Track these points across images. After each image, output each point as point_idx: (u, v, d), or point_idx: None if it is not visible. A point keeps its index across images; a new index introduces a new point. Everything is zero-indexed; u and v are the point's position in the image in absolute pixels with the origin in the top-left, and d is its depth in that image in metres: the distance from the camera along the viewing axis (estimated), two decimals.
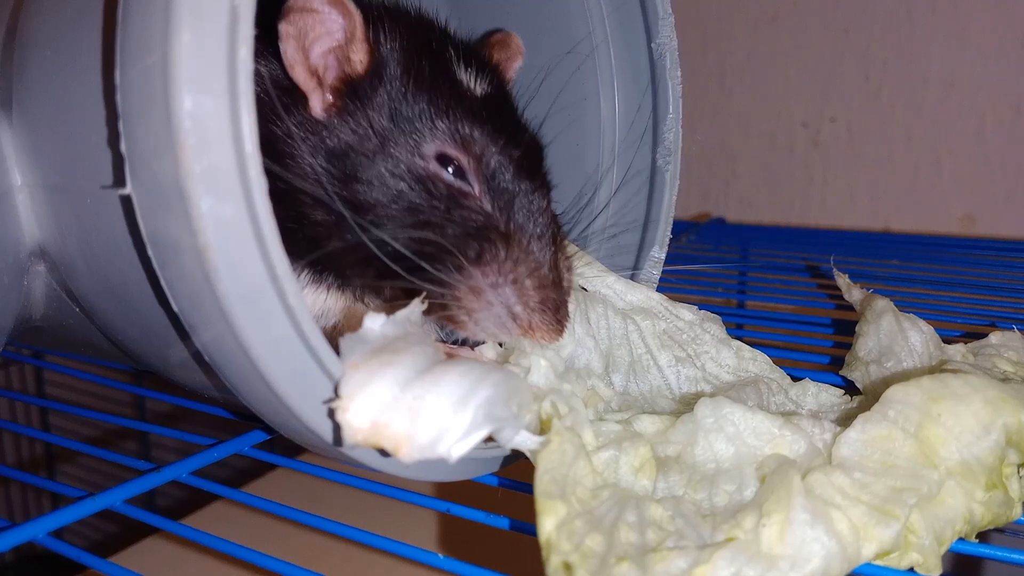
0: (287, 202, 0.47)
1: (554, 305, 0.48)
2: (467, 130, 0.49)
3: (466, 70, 0.52)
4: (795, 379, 0.53)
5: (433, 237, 0.47)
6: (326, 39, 0.48)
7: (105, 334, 0.52)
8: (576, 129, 0.67)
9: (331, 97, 0.48)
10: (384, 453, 0.39)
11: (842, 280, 0.68)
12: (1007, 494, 0.39)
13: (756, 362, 0.53)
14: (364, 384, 0.37)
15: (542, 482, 0.37)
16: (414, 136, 0.48)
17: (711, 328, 0.55)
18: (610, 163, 0.67)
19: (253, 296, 0.36)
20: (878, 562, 0.36)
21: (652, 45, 0.63)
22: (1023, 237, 1.12)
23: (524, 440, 0.40)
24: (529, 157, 0.52)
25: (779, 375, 0.53)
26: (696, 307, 0.56)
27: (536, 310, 0.47)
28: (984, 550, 0.39)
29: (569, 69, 0.67)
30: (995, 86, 1.13)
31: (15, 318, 0.50)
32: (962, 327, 0.69)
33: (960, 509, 0.38)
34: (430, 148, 0.49)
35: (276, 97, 0.48)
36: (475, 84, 0.52)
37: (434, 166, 0.49)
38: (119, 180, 0.36)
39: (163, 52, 0.33)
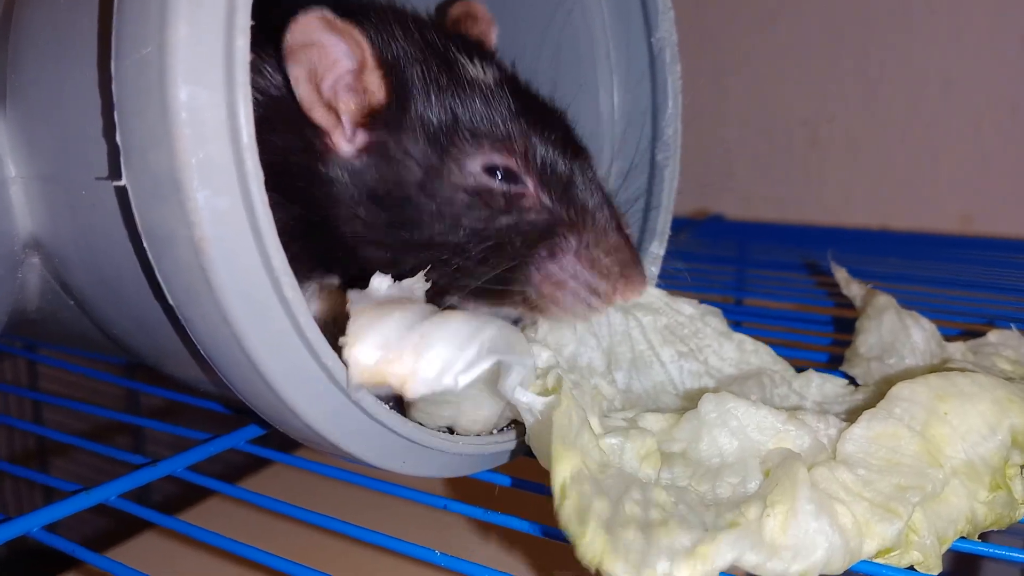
0: (330, 241, 0.46)
1: (632, 262, 0.49)
2: (504, 130, 0.48)
3: (471, 62, 0.50)
4: (798, 371, 0.53)
5: (505, 252, 0.47)
6: (336, 70, 0.45)
7: (99, 327, 0.52)
8: (575, 124, 0.67)
9: (358, 133, 0.46)
10: (392, 413, 0.40)
11: (840, 274, 0.68)
12: (1011, 495, 0.39)
13: (759, 354, 0.53)
14: (371, 323, 0.37)
15: (559, 427, 0.37)
16: (455, 155, 0.47)
17: (712, 322, 0.54)
18: (609, 158, 0.67)
19: (249, 289, 0.35)
20: (879, 560, 0.36)
21: (652, 40, 0.62)
22: (1020, 236, 1.11)
23: (531, 401, 0.39)
24: (564, 130, 0.51)
25: (783, 366, 0.53)
26: (697, 301, 0.56)
27: (619, 276, 0.48)
28: (983, 548, 0.38)
29: (568, 63, 0.67)
30: (992, 85, 1.13)
31: (9, 310, 0.50)
32: (960, 325, 0.69)
33: (963, 509, 0.38)
34: (475, 164, 0.47)
35: (311, 142, 0.46)
36: (485, 74, 0.50)
37: (484, 180, 0.47)
38: (114, 171, 0.36)
39: (159, 42, 0.33)
